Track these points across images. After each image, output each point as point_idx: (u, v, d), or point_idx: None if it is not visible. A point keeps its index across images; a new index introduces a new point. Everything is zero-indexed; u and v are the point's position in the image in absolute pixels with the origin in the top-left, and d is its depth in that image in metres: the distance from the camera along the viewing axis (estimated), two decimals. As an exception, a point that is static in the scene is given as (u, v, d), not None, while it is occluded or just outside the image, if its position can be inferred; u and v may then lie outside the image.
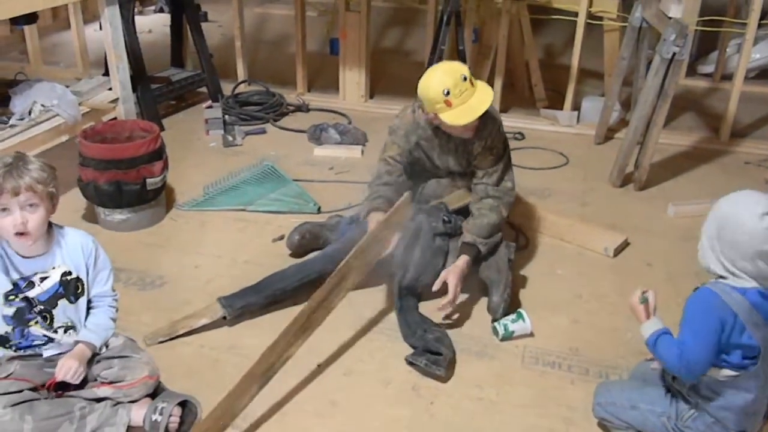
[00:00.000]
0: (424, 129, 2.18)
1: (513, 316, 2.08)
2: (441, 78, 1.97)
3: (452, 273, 2.08)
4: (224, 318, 2.08)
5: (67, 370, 1.56)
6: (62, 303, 1.58)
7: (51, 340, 1.60)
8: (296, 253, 2.42)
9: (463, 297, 2.27)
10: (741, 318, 1.41)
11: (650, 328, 1.53)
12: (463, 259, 2.12)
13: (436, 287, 2.08)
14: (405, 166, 2.26)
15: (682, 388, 1.56)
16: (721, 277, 1.46)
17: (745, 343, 1.42)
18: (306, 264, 2.22)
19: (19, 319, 1.55)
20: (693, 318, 1.46)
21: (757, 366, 1.44)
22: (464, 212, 2.39)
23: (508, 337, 2.06)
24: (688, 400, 1.55)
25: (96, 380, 1.63)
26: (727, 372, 1.47)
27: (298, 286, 2.16)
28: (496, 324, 2.08)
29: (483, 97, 1.99)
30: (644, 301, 1.55)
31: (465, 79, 1.96)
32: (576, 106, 3.75)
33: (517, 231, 2.67)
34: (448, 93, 1.95)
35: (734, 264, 1.43)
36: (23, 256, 1.54)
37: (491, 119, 2.15)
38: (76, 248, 1.60)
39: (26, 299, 1.55)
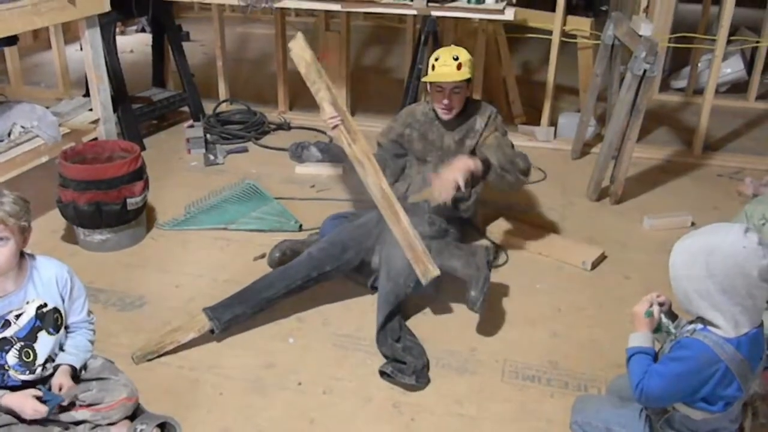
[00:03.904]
0: (426, 113, 2.50)
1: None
2: (442, 51, 2.40)
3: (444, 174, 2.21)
4: (212, 332, 2.08)
5: (66, 389, 1.56)
6: (42, 336, 1.56)
7: (31, 381, 1.58)
8: (277, 270, 2.43)
9: (442, 311, 2.30)
10: (733, 371, 1.38)
11: (637, 341, 1.52)
12: (472, 158, 2.25)
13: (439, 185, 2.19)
14: (394, 148, 2.54)
15: (656, 418, 1.56)
16: (713, 324, 1.40)
17: (731, 395, 1.42)
18: (290, 269, 2.21)
19: None
20: (674, 361, 1.43)
21: (733, 407, 1.46)
22: (448, 215, 2.42)
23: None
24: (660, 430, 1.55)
25: (74, 403, 1.62)
26: (705, 415, 1.46)
27: (285, 293, 2.16)
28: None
29: (452, 75, 2.32)
30: (649, 315, 1.53)
31: (456, 59, 2.32)
32: (553, 122, 3.82)
33: (497, 246, 2.71)
34: (436, 59, 2.36)
35: (732, 307, 1.36)
36: None
37: (487, 104, 2.53)
38: (50, 280, 1.58)
39: (3, 340, 1.52)
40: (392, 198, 2.20)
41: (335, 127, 2.29)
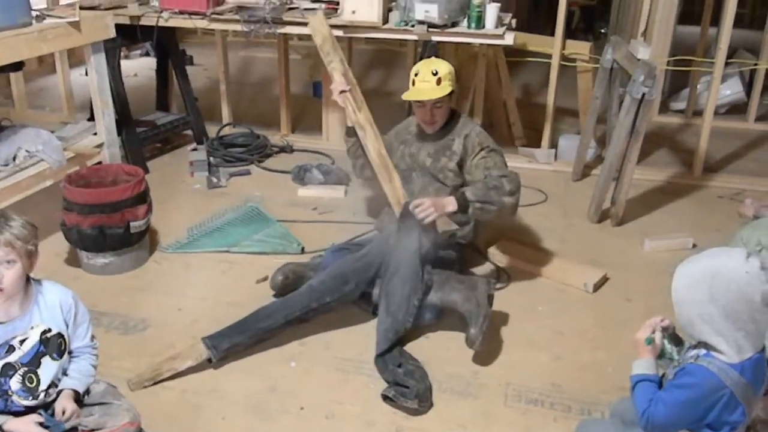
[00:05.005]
0: (418, 124, 2.52)
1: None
2: (421, 65, 2.40)
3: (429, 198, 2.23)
4: (209, 360, 2.08)
5: (70, 412, 1.56)
6: (45, 361, 1.56)
7: (33, 407, 1.58)
8: (280, 293, 2.42)
9: (444, 335, 2.30)
10: (737, 396, 1.38)
11: (641, 368, 1.51)
12: (448, 198, 2.25)
13: (411, 206, 2.21)
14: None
15: None
16: (716, 349, 1.40)
17: (735, 420, 1.41)
18: (290, 300, 2.23)
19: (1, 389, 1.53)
20: (679, 388, 1.42)
21: (737, 430, 1.45)
22: (446, 242, 2.42)
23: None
24: None
25: (77, 428, 1.62)
26: None
27: (284, 323, 2.17)
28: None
29: (431, 92, 2.33)
30: (650, 342, 1.52)
31: (435, 74, 2.31)
32: (553, 144, 3.85)
33: (498, 268, 2.71)
34: (416, 75, 2.37)
35: (735, 332, 1.36)
36: None
37: (468, 120, 2.53)
38: (55, 306, 1.59)
39: (7, 365, 1.52)
40: (387, 159, 2.47)
41: (342, 92, 2.40)
